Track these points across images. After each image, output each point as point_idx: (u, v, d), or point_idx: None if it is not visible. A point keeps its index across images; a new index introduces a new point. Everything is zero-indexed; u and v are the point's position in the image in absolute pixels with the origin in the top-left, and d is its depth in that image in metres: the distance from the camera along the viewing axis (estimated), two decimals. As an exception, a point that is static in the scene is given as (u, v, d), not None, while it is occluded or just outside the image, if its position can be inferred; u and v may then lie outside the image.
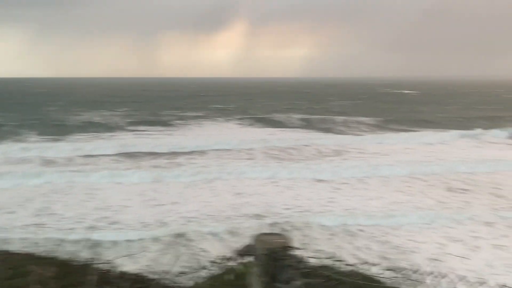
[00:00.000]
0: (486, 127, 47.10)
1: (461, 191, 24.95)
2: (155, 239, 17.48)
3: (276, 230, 18.56)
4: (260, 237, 2.90)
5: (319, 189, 25.19)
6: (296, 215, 20.60)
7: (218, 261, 3.07)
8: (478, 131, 44.26)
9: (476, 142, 40.51)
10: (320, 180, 26.91)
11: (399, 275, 2.99)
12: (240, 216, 20.51)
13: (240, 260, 3.00)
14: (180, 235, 17.78)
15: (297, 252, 2.89)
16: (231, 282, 3.24)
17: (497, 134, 43.20)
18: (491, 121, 57.10)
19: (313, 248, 16.92)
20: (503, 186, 25.74)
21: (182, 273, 3.21)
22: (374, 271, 2.95)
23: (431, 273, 3.07)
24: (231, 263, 3.06)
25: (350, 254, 16.31)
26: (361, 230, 18.79)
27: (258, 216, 20.49)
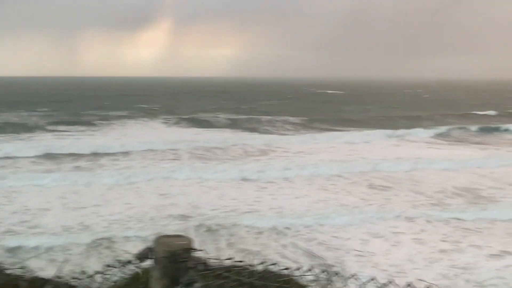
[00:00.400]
0: (408, 127, 48.66)
1: (383, 188, 25.59)
2: (75, 243, 16.83)
3: (202, 230, 18.33)
4: (160, 239, 2.76)
5: (245, 189, 25.15)
6: (222, 215, 20.44)
7: (117, 265, 2.87)
8: (401, 131, 45.64)
9: (399, 141, 41.78)
10: (246, 180, 26.88)
11: (319, 274, 2.87)
12: (165, 218, 20.13)
13: (139, 263, 2.85)
14: (102, 238, 17.22)
15: (200, 254, 2.75)
16: (130, 286, 3.04)
17: (419, 133, 44.68)
18: (412, 120, 59.10)
19: (240, 247, 16.82)
20: (422, 183, 26.62)
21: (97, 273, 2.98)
22: (292, 271, 2.83)
23: (354, 274, 2.97)
24: (130, 267, 2.88)
25: (277, 253, 16.32)
26: (287, 228, 18.86)
27: (183, 217, 20.19)
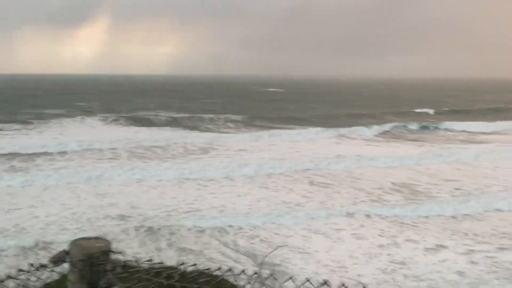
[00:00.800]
0: (349, 124, 49.38)
1: (324, 185, 25.86)
2: (10, 245, 16.19)
3: (142, 230, 17.97)
4: (77, 242, 2.61)
5: (186, 188, 24.87)
6: (162, 215, 20.13)
7: (30, 269, 2.69)
8: (343, 129, 46.23)
9: (340, 139, 42.35)
10: (187, 179, 26.58)
11: (252, 276, 2.77)
12: (103, 218, 19.64)
13: (54, 267, 2.68)
14: (38, 240, 16.63)
15: (120, 256, 2.61)
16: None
17: (360, 131, 45.32)
18: (354, 119, 60.05)
19: (181, 247, 16.59)
20: (362, 180, 27.07)
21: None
22: (224, 272, 2.72)
23: (290, 277, 2.88)
24: (45, 271, 2.71)
25: (218, 252, 16.18)
26: (230, 226, 18.75)
27: (122, 217, 19.75)
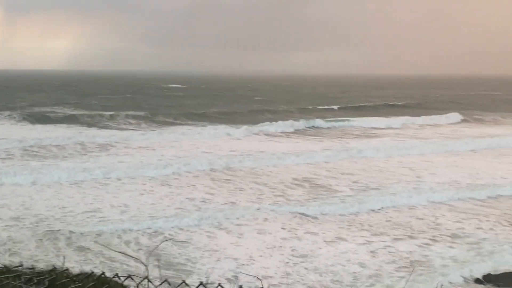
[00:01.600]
0: (254, 121, 49.59)
1: (226, 181, 25.88)
2: None
3: (38, 232, 17.12)
4: None
5: (85, 187, 24.00)
6: (58, 216, 19.29)
7: None
8: (246, 125, 46.36)
9: (244, 135, 42.42)
10: (84, 178, 25.61)
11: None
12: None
13: None
14: None
15: None
16: None
17: (264, 127, 45.25)
18: (257, 115, 60.41)
19: (80, 245, 15.98)
20: (264, 176, 27.35)
21: None
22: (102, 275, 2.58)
23: (165, 280, 2.77)
24: None
25: (120, 251, 15.73)
26: (132, 225, 18.27)
27: (15, 219, 18.71)
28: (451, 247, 17.07)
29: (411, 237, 18.02)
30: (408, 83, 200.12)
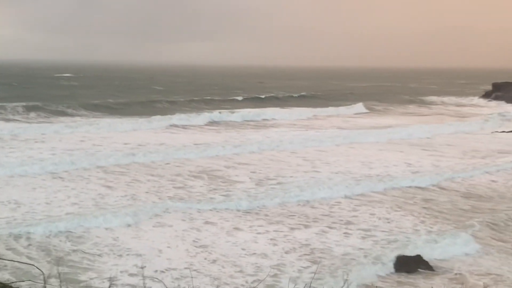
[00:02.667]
0: (152, 113, 48.60)
1: (120, 173, 25.32)
2: None
3: None
4: None
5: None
6: None
7: None
8: (145, 118, 45.45)
9: (140, 127, 41.52)
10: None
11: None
12: None
13: None
14: None
15: None
16: None
17: (162, 120, 44.47)
18: (155, 107, 59.44)
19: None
20: (160, 169, 27.05)
21: None
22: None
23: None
24: None
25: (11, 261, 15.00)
26: (26, 225, 17.44)
27: None
28: (346, 233, 17.80)
29: (307, 226, 18.57)
30: (309, 75, 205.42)
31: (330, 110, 58.92)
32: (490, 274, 14.86)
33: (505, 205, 22.09)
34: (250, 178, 25.27)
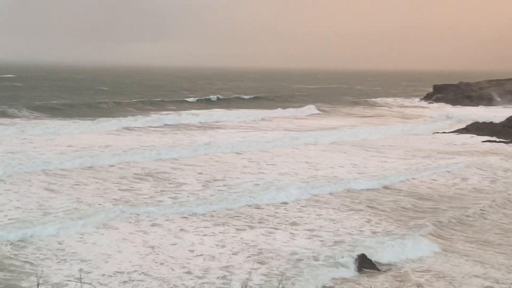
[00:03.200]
0: (99, 114, 47.75)
1: (62, 177, 24.78)
2: None
3: None
4: None
5: None
6: None
7: None
8: (92, 120, 44.52)
9: (91, 130, 40.70)
10: None
11: None
12: None
13: None
14: None
15: None
16: None
17: (103, 122, 43.76)
18: (104, 107, 58.44)
19: None
20: (104, 172, 26.63)
21: None
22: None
23: None
24: None
25: None
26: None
27: None
28: (293, 234, 17.99)
29: (253, 227, 18.66)
30: (257, 76, 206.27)
31: (280, 111, 59.37)
32: (431, 271, 15.33)
33: (446, 204, 22.82)
34: (196, 180, 25.19)
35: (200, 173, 26.54)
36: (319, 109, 63.77)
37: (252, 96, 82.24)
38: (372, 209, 21.48)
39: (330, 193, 23.67)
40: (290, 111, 60.02)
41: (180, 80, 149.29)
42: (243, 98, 79.33)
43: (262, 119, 53.09)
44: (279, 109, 60.54)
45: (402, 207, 22.03)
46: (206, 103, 69.32)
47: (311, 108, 62.94)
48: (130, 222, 18.36)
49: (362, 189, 24.62)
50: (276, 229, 18.50)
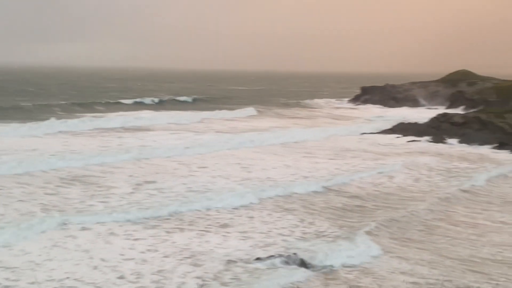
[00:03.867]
0: (21, 117, 46.12)
1: None
2: None
3: None
4: None
5: None
6: None
7: None
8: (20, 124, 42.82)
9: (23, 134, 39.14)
10: None
11: None
12: None
13: None
14: None
15: None
16: None
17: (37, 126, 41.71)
18: (28, 110, 56.41)
19: None
20: (27, 176, 25.83)
21: None
22: None
23: None
24: None
25: None
26: None
27: None
28: (225, 236, 18.04)
29: (183, 229, 18.57)
30: (189, 78, 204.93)
31: (218, 113, 59.27)
32: (360, 266, 15.77)
33: (372, 203, 23.50)
34: (126, 183, 24.80)
35: (131, 176, 26.15)
36: (257, 111, 64.13)
37: (189, 98, 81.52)
38: (306, 209, 21.81)
39: (263, 195, 23.65)
40: (226, 113, 59.91)
41: (107, 81, 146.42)
42: (179, 100, 78.56)
43: (201, 121, 52.79)
44: (216, 111, 60.47)
45: (334, 207, 22.48)
46: (139, 105, 68.21)
47: (247, 110, 63.23)
48: (59, 228, 17.86)
49: (297, 191, 24.72)
50: (207, 231, 18.46)
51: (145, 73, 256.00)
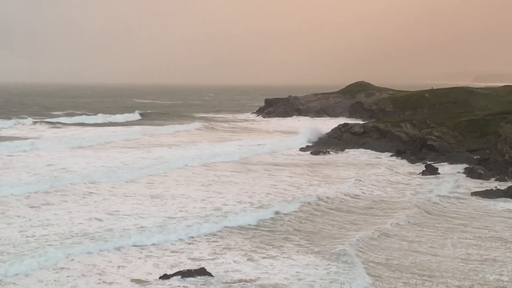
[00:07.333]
0: None
1: None
2: None
3: None
4: None
5: None
6: None
7: None
8: None
9: None
10: None
11: None
12: None
13: None
14: None
15: None
16: None
17: None
18: None
19: None
20: None
21: None
22: None
23: None
24: None
25: None
26: None
27: None
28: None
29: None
30: (108, 93, 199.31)
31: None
32: (257, 279, 15.70)
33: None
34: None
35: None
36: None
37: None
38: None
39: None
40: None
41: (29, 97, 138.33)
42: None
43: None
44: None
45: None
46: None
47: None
48: None
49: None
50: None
51: (61, 88, 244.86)
